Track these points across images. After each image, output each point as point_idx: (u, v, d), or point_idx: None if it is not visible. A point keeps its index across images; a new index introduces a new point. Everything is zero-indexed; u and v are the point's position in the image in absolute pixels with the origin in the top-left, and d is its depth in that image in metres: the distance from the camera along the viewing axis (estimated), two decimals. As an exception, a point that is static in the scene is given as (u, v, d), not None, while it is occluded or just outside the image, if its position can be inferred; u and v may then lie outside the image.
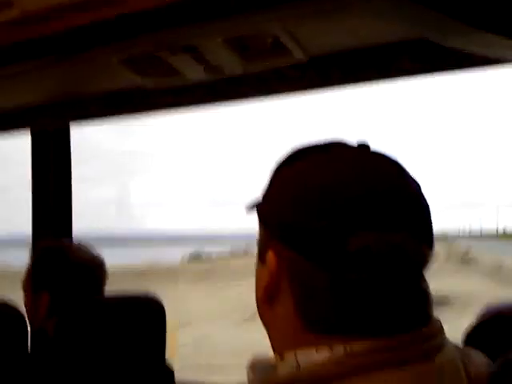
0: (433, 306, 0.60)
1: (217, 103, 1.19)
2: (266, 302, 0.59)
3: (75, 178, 1.74)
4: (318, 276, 0.54)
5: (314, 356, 0.53)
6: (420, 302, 0.57)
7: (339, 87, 1.13)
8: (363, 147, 0.60)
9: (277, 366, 0.57)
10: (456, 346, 0.63)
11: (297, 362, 0.54)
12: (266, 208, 0.61)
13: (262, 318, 0.62)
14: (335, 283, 0.54)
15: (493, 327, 0.86)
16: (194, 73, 1.06)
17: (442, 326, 0.60)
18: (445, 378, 0.54)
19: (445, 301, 11.21)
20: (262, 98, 1.18)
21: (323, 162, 0.58)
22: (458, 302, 11.63)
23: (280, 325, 0.59)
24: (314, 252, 0.54)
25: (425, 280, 0.59)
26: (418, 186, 0.59)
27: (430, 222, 0.58)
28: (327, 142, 0.61)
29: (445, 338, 0.59)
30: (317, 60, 1.02)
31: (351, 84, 1.13)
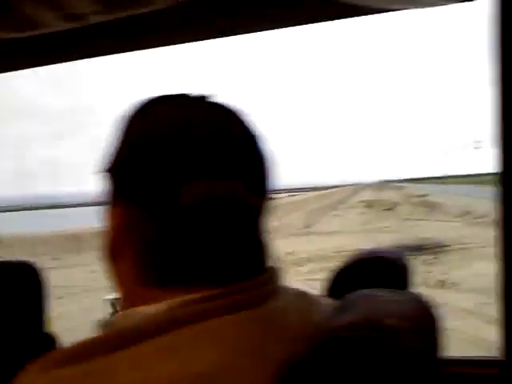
0: (268, 255, 0.62)
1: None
2: (111, 258, 0.59)
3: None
4: (152, 227, 0.55)
5: (152, 308, 0.54)
6: (254, 252, 0.59)
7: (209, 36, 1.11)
8: (203, 98, 0.60)
9: (117, 320, 0.57)
10: (302, 294, 0.66)
11: (136, 314, 0.54)
12: (108, 163, 0.60)
13: (110, 276, 0.62)
14: (168, 234, 0.54)
15: (353, 272, 0.89)
16: (53, 21, 0.97)
17: (278, 274, 0.62)
18: (274, 323, 0.56)
19: (441, 246, 11.60)
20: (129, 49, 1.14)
21: (159, 113, 0.58)
22: (455, 247, 11.95)
23: (124, 280, 0.59)
24: (147, 202, 0.54)
25: (261, 229, 0.61)
26: (256, 137, 0.59)
27: (266, 174, 0.59)
28: (168, 94, 0.61)
29: (281, 285, 0.62)
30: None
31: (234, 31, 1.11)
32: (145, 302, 0.55)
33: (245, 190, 0.56)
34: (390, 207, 29.59)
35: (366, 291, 0.73)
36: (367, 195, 52.26)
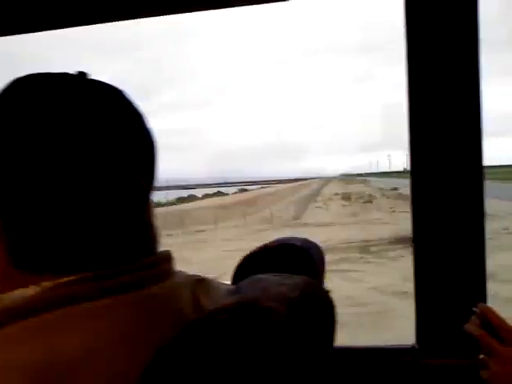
0: (157, 239, 0.61)
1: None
2: None
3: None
4: (18, 210, 0.53)
5: (23, 291, 0.53)
6: (136, 236, 0.58)
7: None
8: (80, 77, 0.58)
9: None
10: (199, 280, 0.66)
11: (7, 297, 0.53)
12: None
13: None
14: (35, 218, 0.53)
15: (260, 258, 0.89)
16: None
17: (167, 257, 0.62)
18: (153, 308, 0.56)
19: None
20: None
21: (25, 92, 0.55)
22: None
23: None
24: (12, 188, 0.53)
25: (148, 213, 0.60)
26: (141, 121, 0.59)
27: (152, 156, 0.59)
28: (44, 73, 0.58)
29: (172, 270, 0.62)
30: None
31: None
32: (17, 287, 0.54)
33: (129, 173, 0.55)
34: (369, 200, 29.79)
35: (259, 276, 0.73)
36: (337, 188, 52.50)
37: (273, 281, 0.66)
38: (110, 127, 0.54)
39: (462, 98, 1.02)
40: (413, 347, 1.09)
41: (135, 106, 0.59)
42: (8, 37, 1.21)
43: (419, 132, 1.05)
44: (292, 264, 0.86)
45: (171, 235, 16.12)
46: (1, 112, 0.54)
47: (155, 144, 0.60)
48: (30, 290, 0.53)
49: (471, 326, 0.83)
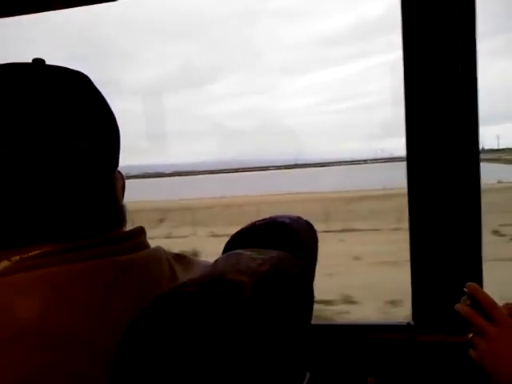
0: (124, 213, 0.62)
1: None
2: None
3: None
4: None
5: None
6: (99, 210, 0.60)
7: None
8: (35, 64, 0.60)
9: None
10: (178, 257, 0.67)
11: None
12: None
13: None
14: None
15: (249, 235, 0.90)
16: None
17: (140, 230, 0.64)
18: (130, 273, 0.58)
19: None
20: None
21: None
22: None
23: None
24: None
25: (110, 188, 0.62)
26: (94, 98, 0.61)
27: (109, 131, 0.62)
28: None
29: (143, 240, 0.64)
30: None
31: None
32: None
33: (87, 145, 0.57)
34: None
35: (235, 251, 0.74)
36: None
37: (246, 255, 0.67)
38: (60, 102, 0.57)
39: (458, 86, 1.02)
40: (409, 324, 1.09)
41: (89, 86, 0.61)
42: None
43: (416, 120, 1.06)
44: (278, 241, 0.86)
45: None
46: None
47: (112, 121, 0.63)
48: (2, 264, 0.55)
49: (461, 306, 0.83)
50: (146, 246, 0.65)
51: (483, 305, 0.80)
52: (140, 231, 0.65)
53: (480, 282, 1.03)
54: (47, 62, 0.60)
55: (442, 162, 1.03)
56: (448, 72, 1.02)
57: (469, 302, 0.83)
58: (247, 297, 0.56)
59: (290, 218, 0.96)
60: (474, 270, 1.04)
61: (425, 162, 1.04)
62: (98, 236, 0.58)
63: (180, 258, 0.69)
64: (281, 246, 0.85)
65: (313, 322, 0.85)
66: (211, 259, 0.77)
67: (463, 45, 1.01)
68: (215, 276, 0.59)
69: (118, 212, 0.63)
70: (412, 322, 1.10)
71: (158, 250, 0.66)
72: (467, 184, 1.03)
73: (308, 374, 0.87)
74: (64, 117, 0.57)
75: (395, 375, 1.08)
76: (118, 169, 0.65)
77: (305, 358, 0.76)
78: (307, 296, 0.75)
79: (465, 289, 0.85)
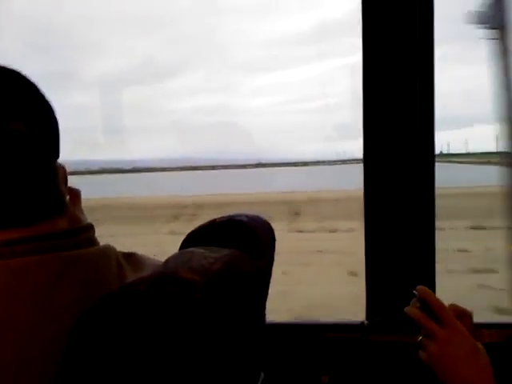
0: (65, 201, 0.64)
1: None
2: None
3: None
4: None
5: None
6: (42, 197, 0.60)
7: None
8: None
9: None
10: (123, 253, 0.67)
11: None
12: None
13: None
14: None
15: (205, 233, 0.89)
16: None
17: (89, 226, 0.65)
18: (77, 268, 0.58)
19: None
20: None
21: None
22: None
23: None
24: None
25: (52, 175, 0.62)
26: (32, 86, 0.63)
27: (48, 118, 0.63)
28: None
29: (91, 237, 0.64)
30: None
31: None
32: None
33: (28, 131, 0.58)
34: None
35: (187, 249, 0.73)
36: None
37: (198, 253, 0.66)
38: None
39: (415, 90, 1.05)
40: (362, 323, 1.11)
41: (24, 79, 0.63)
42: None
43: (373, 122, 1.08)
44: (236, 239, 0.86)
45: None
46: None
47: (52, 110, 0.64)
48: None
49: (410, 309, 0.85)
50: (95, 242, 0.64)
51: (432, 307, 0.82)
52: (89, 227, 0.65)
53: (433, 284, 1.05)
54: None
55: (398, 165, 1.05)
56: (406, 76, 1.04)
57: (419, 305, 0.84)
58: (198, 296, 0.55)
59: (247, 216, 0.95)
60: (426, 271, 1.07)
61: (381, 164, 1.06)
62: (37, 222, 0.59)
63: (130, 256, 0.69)
64: (238, 244, 0.85)
65: (267, 321, 0.85)
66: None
67: (421, 49, 1.03)
68: (165, 274, 0.58)
69: (59, 199, 0.63)
70: (366, 322, 1.11)
71: (107, 247, 0.66)
72: (422, 187, 1.05)
73: (262, 374, 0.87)
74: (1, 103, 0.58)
75: (349, 374, 1.09)
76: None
77: (259, 357, 0.75)
78: (262, 295, 0.75)
79: (414, 291, 0.87)
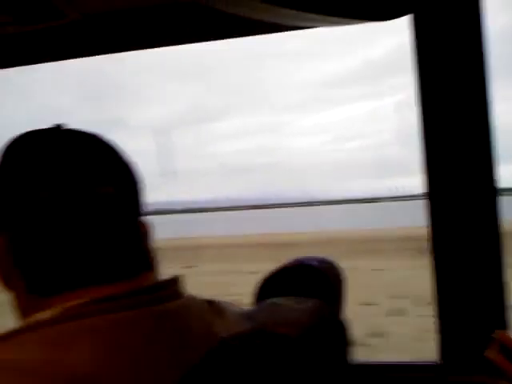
0: (152, 257, 0.67)
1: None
2: (6, 284, 0.63)
3: None
4: (19, 246, 0.60)
5: (43, 314, 0.57)
6: (132, 255, 0.63)
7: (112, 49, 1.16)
8: (56, 128, 0.65)
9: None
10: (210, 302, 0.69)
11: (28, 323, 0.58)
12: None
13: (12, 301, 0.65)
14: (28, 248, 0.59)
15: (279, 279, 0.92)
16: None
17: (176, 279, 0.66)
18: (168, 323, 0.59)
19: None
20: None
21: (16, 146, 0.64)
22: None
23: (19, 300, 0.63)
24: (7, 224, 0.60)
25: (137, 232, 0.65)
26: (116, 150, 0.66)
27: (134, 180, 0.66)
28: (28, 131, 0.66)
29: (178, 289, 0.65)
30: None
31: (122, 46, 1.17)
32: (34, 310, 0.59)
33: (115, 193, 0.61)
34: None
35: (273, 300, 0.76)
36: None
37: (285, 306, 0.68)
38: (81, 163, 0.62)
39: (474, 125, 1.05)
40: (436, 363, 1.09)
41: (106, 142, 0.66)
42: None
43: (435, 158, 1.08)
44: (309, 285, 0.88)
45: None
46: (10, 163, 0.63)
47: (136, 171, 0.67)
48: (48, 313, 0.57)
49: (492, 352, 0.86)
50: (181, 294, 0.65)
51: None
52: (175, 280, 0.66)
53: (504, 322, 1.03)
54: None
55: (464, 200, 1.04)
56: (463, 110, 1.04)
57: (498, 348, 0.85)
58: (292, 349, 0.58)
59: (316, 260, 0.97)
60: (498, 309, 1.05)
61: (447, 200, 1.05)
62: (127, 278, 0.61)
63: (213, 303, 0.70)
64: (311, 290, 0.87)
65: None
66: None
67: (477, 84, 1.03)
68: (259, 329, 0.61)
69: (147, 254, 0.66)
70: (440, 361, 1.10)
71: (193, 297, 0.67)
72: (488, 221, 1.04)
73: None
74: (91, 168, 0.62)
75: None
76: None
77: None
78: (345, 341, 0.76)
79: (493, 335, 0.88)
